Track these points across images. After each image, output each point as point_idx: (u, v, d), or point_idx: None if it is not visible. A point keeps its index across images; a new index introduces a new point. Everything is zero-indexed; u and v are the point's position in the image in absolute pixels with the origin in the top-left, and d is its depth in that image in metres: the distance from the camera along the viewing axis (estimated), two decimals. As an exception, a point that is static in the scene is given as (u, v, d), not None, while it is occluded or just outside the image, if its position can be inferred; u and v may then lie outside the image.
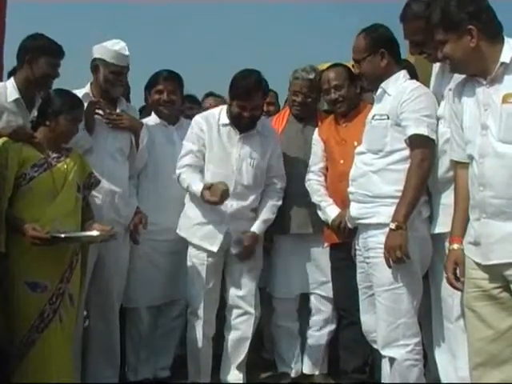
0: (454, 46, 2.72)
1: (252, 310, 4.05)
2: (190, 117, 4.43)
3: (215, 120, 3.99)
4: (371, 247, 3.29)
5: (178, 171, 3.95)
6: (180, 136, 4.22)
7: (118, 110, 3.99)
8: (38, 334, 3.20)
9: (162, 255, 4.17)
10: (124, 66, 3.91)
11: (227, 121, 3.96)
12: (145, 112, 4.62)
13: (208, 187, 3.74)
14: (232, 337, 4.07)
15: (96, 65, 3.90)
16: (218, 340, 4.11)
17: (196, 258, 4.01)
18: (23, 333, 3.20)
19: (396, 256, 3.12)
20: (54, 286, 3.24)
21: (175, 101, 4.29)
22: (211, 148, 3.96)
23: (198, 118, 4.02)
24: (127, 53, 3.88)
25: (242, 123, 3.93)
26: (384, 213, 3.21)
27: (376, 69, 3.39)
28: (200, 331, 3.97)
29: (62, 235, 3.16)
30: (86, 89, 3.95)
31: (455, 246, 2.86)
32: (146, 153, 4.13)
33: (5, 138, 3.31)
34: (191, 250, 4.03)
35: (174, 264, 4.17)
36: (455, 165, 2.95)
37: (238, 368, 4.07)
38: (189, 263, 4.03)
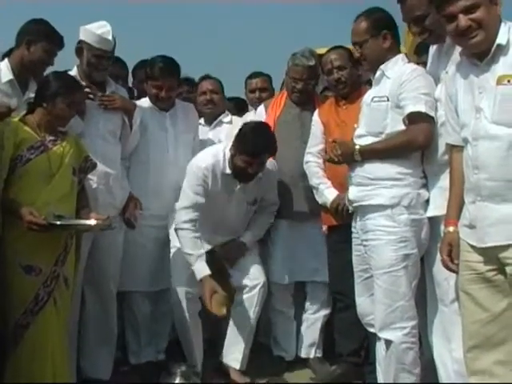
0: (487, 10, 2.66)
1: (258, 281, 4.09)
2: (187, 100, 4.48)
3: (219, 169, 3.98)
4: (370, 229, 3.31)
5: (180, 224, 3.90)
6: (173, 122, 4.28)
7: (107, 92, 3.98)
8: (32, 317, 3.22)
9: (151, 241, 4.21)
10: (107, 50, 3.85)
11: (229, 171, 3.98)
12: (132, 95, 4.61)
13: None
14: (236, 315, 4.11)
15: (80, 47, 3.88)
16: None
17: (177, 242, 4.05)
18: (18, 316, 3.21)
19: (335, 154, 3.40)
20: (49, 269, 3.26)
21: (173, 96, 4.29)
22: (210, 196, 3.97)
23: (205, 171, 3.94)
24: (111, 37, 3.83)
25: (245, 177, 3.97)
26: (384, 195, 3.25)
27: (378, 51, 3.39)
28: (185, 308, 3.99)
29: (58, 222, 3.17)
30: (74, 71, 3.92)
31: (450, 228, 2.89)
32: (138, 134, 4.13)
33: None
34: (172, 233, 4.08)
35: (163, 250, 4.21)
36: (450, 148, 2.98)
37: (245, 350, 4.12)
38: (171, 245, 4.10)
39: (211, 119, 4.70)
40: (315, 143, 4.11)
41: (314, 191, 4.07)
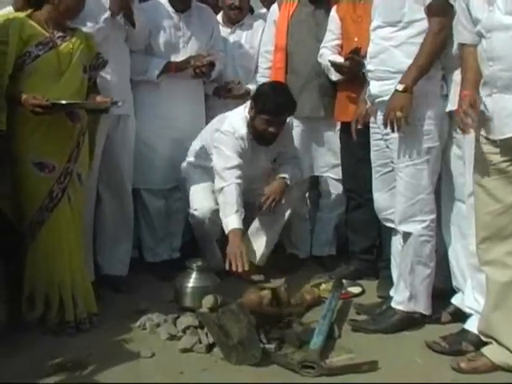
0: None
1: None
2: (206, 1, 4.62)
3: (249, 135, 4.06)
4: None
5: (227, 183, 3.93)
6: (187, 22, 4.34)
7: None
8: (47, 214, 3.34)
9: (163, 140, 4.34)
10: None
11: (250, 135, 4.07)
12: None
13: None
14: None
15: None
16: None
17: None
18: (32, 213, 3.35)
19: (396, 116, 3.18)
20: (62, 165, 3.35)
21: None
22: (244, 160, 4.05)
23: (241, 139, 4.04)
24: None
25: (265, 139, 4.07)
26: None
27: None
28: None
29: (63, 102, 3.23)
30: None
31: (466, 92, 2.91)
32: (145, 32, 4.18)
33: (4, 16, 3.35)
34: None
35: (175, 149, 4.37)
36: (462, 48, 3.03)
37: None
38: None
39: (232, 22, 4.73)
40: (331, 38, 4.18)
41: (328, 70, 4.15)
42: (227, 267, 3.70)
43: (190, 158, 4.31)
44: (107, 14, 3.72)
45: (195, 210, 4.13)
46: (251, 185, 4.13)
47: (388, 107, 3.22)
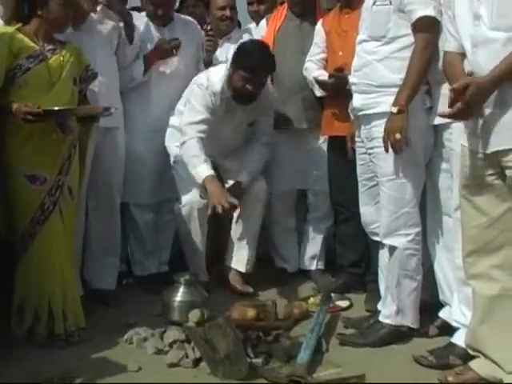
0: None
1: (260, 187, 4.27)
2: (193, 14, 4.63)
3: (224, 92, 4.04)
4: (375, 137, 3.37)
5: (188, 137, 3.97)
6: (171, 36, 4.34)
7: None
8: (39, 226, 3.36)
9: (150, 154, 4.36)
10: None
11: (228, 93, 4.05)
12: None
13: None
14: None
15: None
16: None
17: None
18: (24, 225, 3.36)
19: (395, 138, 3.20)
20: (53, 177, 3.37)
21: (171, 12, 4.40)
22: (213, 117, 4.05)
23: (212, 94, 4.02)
24: None
25: (243, 98, 4.03)
26: (389, 102, 3.26)
27: None
28: (192, 217, 4.13)
29: (56, 108, 3.26)
30: None
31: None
32: (137, 47, 4.22)
33: None
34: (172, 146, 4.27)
35: (162, 162, 4.36)
36: (447, 55, 3.01)
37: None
38: (172, 159, 4.28)
39: (221, 35, 4.77)
40: (316, 52, 4.19)
41: (313, 86, 4.16)
42: (210, 212, 3.82)
43: (174, 119, 4.29)
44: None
45: (183, 205, 4.12)
46: (223, 150, 4.16)
47: (386, 130, 3.23)
